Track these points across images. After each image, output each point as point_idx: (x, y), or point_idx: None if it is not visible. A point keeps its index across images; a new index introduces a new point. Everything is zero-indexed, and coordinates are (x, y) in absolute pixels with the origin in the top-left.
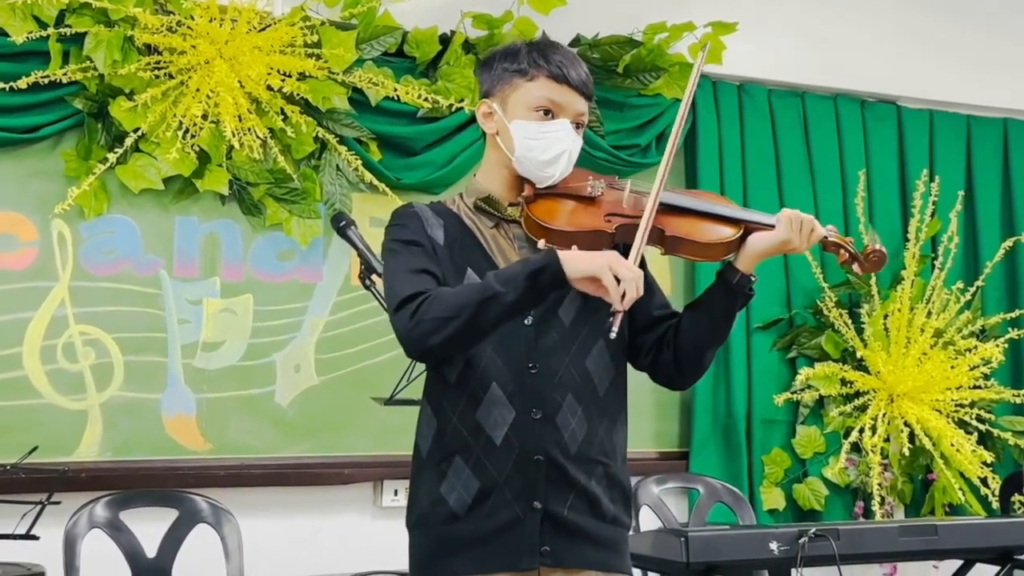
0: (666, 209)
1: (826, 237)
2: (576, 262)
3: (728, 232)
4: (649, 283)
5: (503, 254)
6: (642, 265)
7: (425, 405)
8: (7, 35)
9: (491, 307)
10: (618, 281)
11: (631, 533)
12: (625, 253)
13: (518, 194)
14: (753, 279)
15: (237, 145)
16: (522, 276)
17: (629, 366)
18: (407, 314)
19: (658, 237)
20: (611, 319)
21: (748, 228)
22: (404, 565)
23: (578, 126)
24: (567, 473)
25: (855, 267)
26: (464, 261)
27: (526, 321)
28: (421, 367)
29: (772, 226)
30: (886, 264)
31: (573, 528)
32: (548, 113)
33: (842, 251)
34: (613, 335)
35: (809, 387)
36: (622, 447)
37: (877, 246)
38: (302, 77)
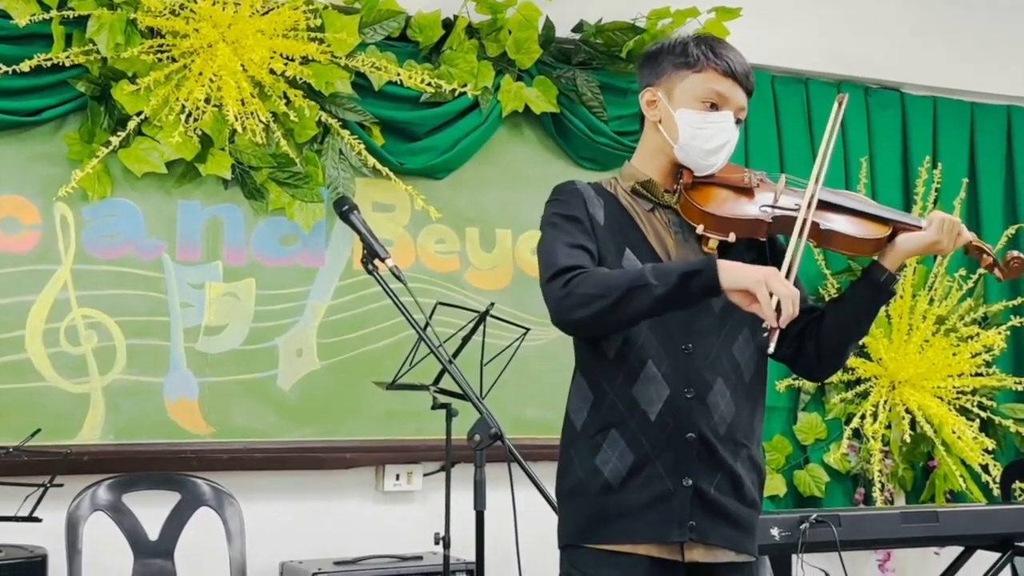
0: (820, 205)
1: (971, 241)
2: (733, 273)
3: (879, 231)
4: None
5: (659, 237)
6: (783, 256)
7: (580, 379)
8: (10, 18)
9: (639, 296)
10: (772, 298)
11: None
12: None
13: (673, 181)
14: (898, 277)
15: (240, 129)
16: (676, 273)
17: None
18: (560, 283)
19: (813, 230)
20: (766, 334)
21: (896, 228)
22: (404, 548)
23: (738, 121)
24: (716, 452)
25: (996, 272)
26: (624, 241)
27: None
28: (423, 352)
29: (919, 227)
30: None
31: (718, 507)
32: (713, 105)
33: (985, 255)
34: (771, 350)
35: None
36: (759, 432)
37: (1016, 253)
38: (305, 61)
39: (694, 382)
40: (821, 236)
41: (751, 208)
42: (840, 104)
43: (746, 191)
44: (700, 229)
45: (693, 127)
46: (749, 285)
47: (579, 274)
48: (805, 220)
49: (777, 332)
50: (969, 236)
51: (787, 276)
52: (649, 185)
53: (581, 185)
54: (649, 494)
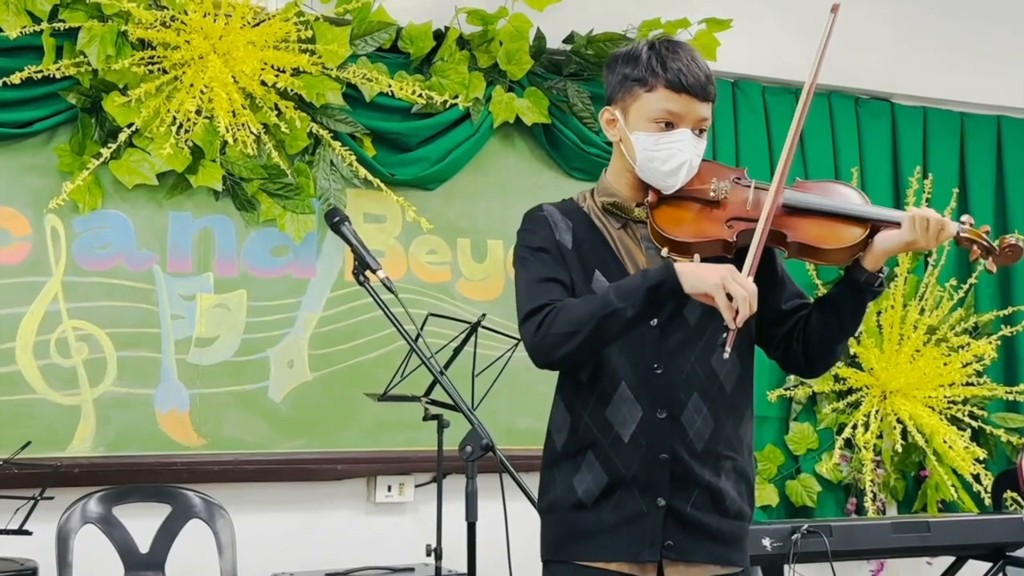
0: (789, 211)
1: (958, 233)
2: (691, 277)
3: (854, 233)
4: (779, 276)
5: (630, 254)
6: (771, 256)
7: (559, 401)
8: (1, 30)
9: (612, 321)
10: (731, 298)
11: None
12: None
13: (645, 195)
14: (882, 275)
15: (231, 140)
16: (641, 291)
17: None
18: (533, 327)
19: (781, 241)
20: (724, 336)
21: (875, 227)
22: (396, 560)
23: (701, 131)
24: (692, 471)
25: (988, 262)
26: (592, 263)
27: (652, 322)
28: (415, 363)
29: (897, 224)
30: (1022, 257)
31: (696, 524)
32: (669, 124)
33: (974, 247)
34: (727, 355)
35: (802, 384)
36: (749, 440)
37: (1013, 240)
38: (296, 72)
39: (666, 403)
40: (790, 248)
41: (715, 227)
42: (834, 13)
43: (714, 204)
44: (664, 252)
45: (648, 150)
46: (707, 289)
47: (548, 313)
48: (761, 239)
49: (733, 334)
50: (954, 230)
51: (750, 273)
52: (618, 204)
53: (548, 210)
54: (622, 514)
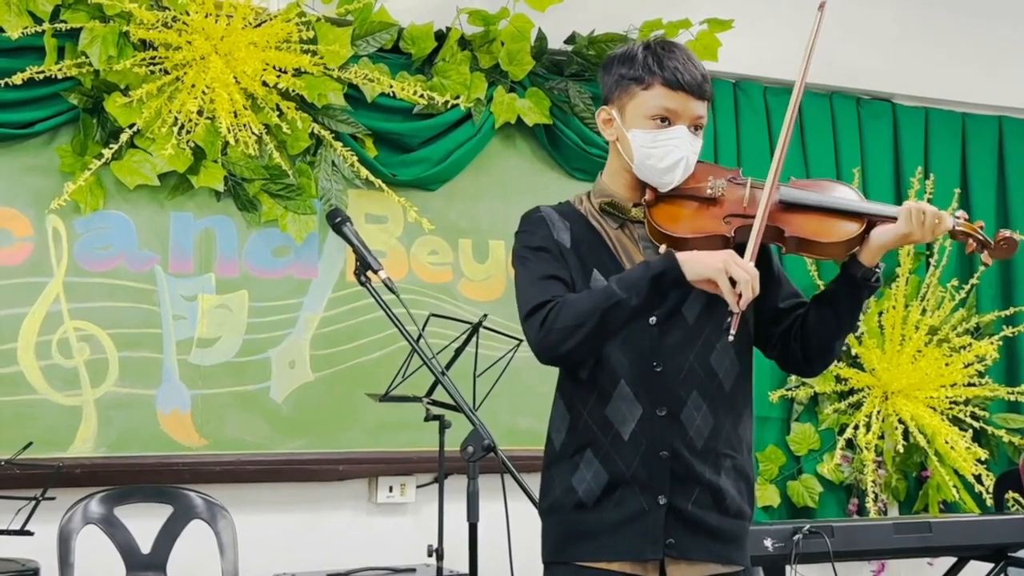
0: (786, 207)
1: (953, 227)
2: (693, 264)
3: (851, 228)
4: (775, 275)
5: (627, 254)
6: (767, 255)
7: (558, 400)
8: (2, 30)
9: (616, 313)
10: (733, 283)
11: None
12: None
13: (641, 195)
14: (879, 269)
15: (232, 141)
16: (644, 280)
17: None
18: (537, 323)
19: (778, 236)
20: (729, 319)
21: (871, 222)
22: (397, 560)
23: (697, 128)
24: (693, 468)
25: (983, 255)
26: (591, 262)
27: (650, 320)
28: (416, 363)
29: (894, 218)
30: (1017, 251)
31: (697, 522)
32: (665, 120)
33: (970, 240)
34: (731, 337)
35: (803, 384)
36: (748, 440)
37: (1008, 233)
38: (297, 73)
39: (666, 400)
40: (787, 243)
41: (713, 222)
42: (821, 10)
43: (711, 201)
44: (662, 249)
45: (645, 147)
46: (709, 274)
47: (552, 308)
48: (760, 229)
49: (737, 317)
50: (950, 224)
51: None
52: (615, 204)
53: (545, 211)
54: (623, 512)
